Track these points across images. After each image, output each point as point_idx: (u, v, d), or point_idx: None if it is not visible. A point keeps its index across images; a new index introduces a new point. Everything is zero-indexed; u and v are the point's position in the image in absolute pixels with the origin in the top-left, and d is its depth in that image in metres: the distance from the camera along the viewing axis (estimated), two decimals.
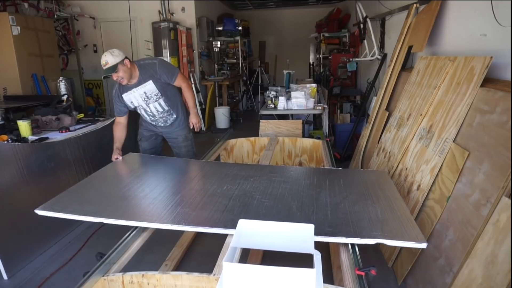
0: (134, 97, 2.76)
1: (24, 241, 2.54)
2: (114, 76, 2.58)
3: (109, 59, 2.52)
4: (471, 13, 2.51)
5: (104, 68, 2.53)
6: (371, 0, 5.30)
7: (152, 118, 2.90)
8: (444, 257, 1.91)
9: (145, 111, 2.85)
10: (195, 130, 2.95)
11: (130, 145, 3.84)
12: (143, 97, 2.75)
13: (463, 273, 1.71)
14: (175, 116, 2.94)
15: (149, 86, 2.72)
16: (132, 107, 2.83)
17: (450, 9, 2.85)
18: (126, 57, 2.60)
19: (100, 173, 2.24)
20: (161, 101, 2.80)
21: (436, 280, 1.92)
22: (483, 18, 2.29)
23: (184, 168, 2.60)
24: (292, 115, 4.53)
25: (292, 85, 5.01)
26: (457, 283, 1.73)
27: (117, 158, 2.72)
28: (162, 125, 2.95)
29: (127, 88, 2.73)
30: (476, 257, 1.66)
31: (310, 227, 1.38)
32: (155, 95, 2.76)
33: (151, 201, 1.93)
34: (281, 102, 4.24)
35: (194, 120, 2.91)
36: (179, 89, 2.92)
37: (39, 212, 1.71)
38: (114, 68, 2.52)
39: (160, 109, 2.84)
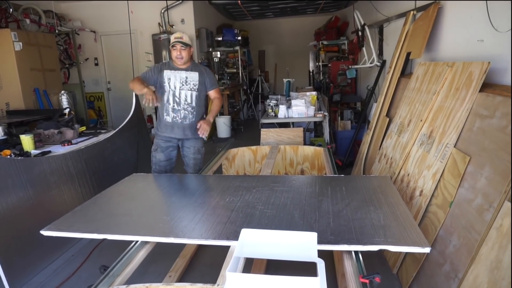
0: (174, 77, 2.97)
1: (28, 255, 2.54)
2: (176, 52, 2.89)
3: (184, 37, 2.91)
4: (467, 19, 2.53)
5: (176, 39, 2.87)
6: (368, 7, 5.35)
7: (176, 107, 2.99)
8: (449, 263, 1.90)
9: (174, 95, 2.98)
10: (200, 135, 3.00)
11: (131, 165, 3.86)
12: (183, 81, 2.98)
13: (468, 279, 1.70)
14: (194, 119, 3.04)
15: (193, 75, 3.01)
16: (165, 84, 2.96)
17: (447, 16, 2.88)
18: (192, 47, 3.02)
19: (104, 193, 2.25)
20: (194, 93, 3.01)
21: (441, 287, 1.90)
22: (479, 24, 2.31)
23: (187, 183, 2.60)
24: (293, 123, 4.54)
25: (292, 93, 5.04)
26: None
27: (152, 99, 2.73)
28: (180, 121, 3.00)
29: (172, 67, 2.99)
30: (480, 263, 1.65)
31: (313, 235, 1.38)
32: (193, 84, 3.00)
33: (154, 215, 1.94)
34: (282, 111, 4.26)
35: (203, 123, 2.98)
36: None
37: (44, 232, 1.71)
38: (185, 44, 2.88)
39: (189, 100, 3.01)
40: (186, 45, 2.89)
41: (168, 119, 3.02)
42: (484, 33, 2.26)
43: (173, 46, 2.89)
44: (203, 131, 2.98)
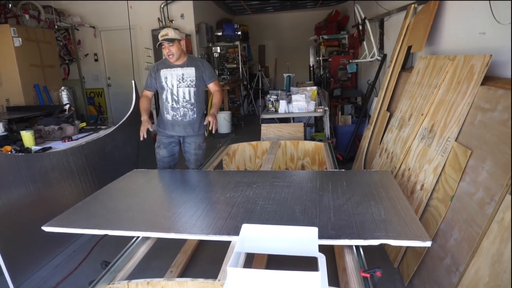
0: (170, 75, 2.94)
1: (30, 251, 2.55)
2: (166, 49, 2.83)
3: (170, 32, 2.83)
4: (469, 12, 2.51)
5: (162, 38, 2.81)
6: (369, 1, 5.32)
7: (175, 105, 2.98)
8: (450, 257, 1.90)
9: (172, 93, 2.96)
10: (209, 128, 2.98)
11: (130, 162, 3.86)
12: (179, 78, 2.94)
13: (469, 272, 1.70)
14: (195, 116, 3.03)
15: (190, 71, 2.95)
16: (162, 83, 2.96)
17: (448, 8, 2.86)
18: (183, 40, 2.92)
19: (105, 189, 2.24)
20: (192, 90, 2.97)
21: (442, 280, 1.91)
22: (481, 16, 2.29)
23: (187, 179, 2.60)
24: (293, 118, 4.53)
25: (293, 88, 5.02)
26: (464, 282, 1.72)
27: (148, 130, 2.93)
28: (180, 118, 3.00)
29: (168, 65, 2.95)
30: (482, 256, 1.65)
31: (314, 230, 1.38)
32: (190, 80, 2.95)
33: (154, 211, 1.94)
34: (282, 106, 4.25)
35: (211, 118, 2.96)
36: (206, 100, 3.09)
37: (46, 228, 1.71)
38: (171, 40, 2.79)
39: (187, 97, 2.97)
40: (172, 40, 2.80)
41: (169, 117, 3.02)
42: (486, 25, 2.24)
43: (161, 45, 2.85)
44: (213, 125, 2.94)
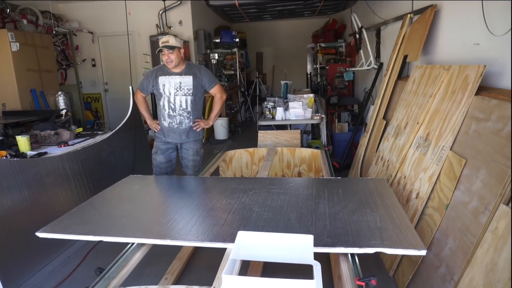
0: (168, 82, 2.95)
1: (23, 257, 2.53)
2: (165, 56, 2.84)
3: (171, 39, 2.85)
4: (464, 23, 2.55)
5: (163, 44, 2.83)
6: (366, 10, 5.38)
7: (171, 113, 2.99)
8: (444, 266, 1.91)
9: (169, 101, 2.98)
10: (194, 127, 3.06)
11: (127, 169, 3.85)
12: (177, 86, 2.94)
13: (463, 281, 1.70)
14: (191, 124, 3.05)
15: (187, 79, 2.96)
16: (160, 90, 2.98)
17: (443, 19, 2.90)
18: (183, 48, 2.95)
19: (100, 195, 2.23)
20: (189, 98, 2.98)
21: None
22: (475, 27, 2.33)
23: (183, 185, 2.60)
24: (290, 125, 4.55)
25: (290, 96, 5.04)
26: None
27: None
28: (176, 126, 3.02)
29: (167, 72, 2.96)
30: (476, 265, 1.65)
31: (309, 238, 1.38)
32: (187, 89, 2.95)
33: (149, 217, 1.94)
34: (279, 113, 4.27)
35: (201, 121, 3.08)
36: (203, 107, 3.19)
37: (40, 234, 1.70)
38: (171, 48, 2.80)
39: (184, 106, 2.98)
40: (172, 48, 2.81)
41: (165, 124, 3.04)
42: (480, 36, 2.28)
43: (161, 51, 2.86)
44: (198, 126, 3.06)
